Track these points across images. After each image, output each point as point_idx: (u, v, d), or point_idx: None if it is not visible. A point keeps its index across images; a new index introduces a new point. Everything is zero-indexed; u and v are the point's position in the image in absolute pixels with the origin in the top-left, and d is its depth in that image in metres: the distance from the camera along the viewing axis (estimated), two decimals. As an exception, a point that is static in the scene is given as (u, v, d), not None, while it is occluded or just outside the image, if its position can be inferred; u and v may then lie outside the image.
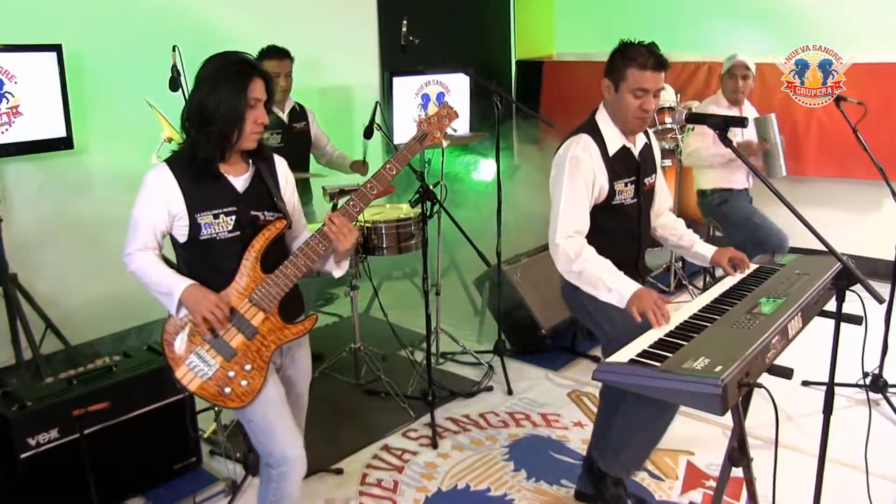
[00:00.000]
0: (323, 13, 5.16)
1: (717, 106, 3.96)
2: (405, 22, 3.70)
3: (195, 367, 2.12)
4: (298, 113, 4.21)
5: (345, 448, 3.28)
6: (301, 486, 2.23)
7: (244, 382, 2.13)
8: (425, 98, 5.33)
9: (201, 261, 2.15)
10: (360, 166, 4.18)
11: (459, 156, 5.49)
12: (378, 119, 3.67)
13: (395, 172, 2.22)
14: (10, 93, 3.58)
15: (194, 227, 2.11)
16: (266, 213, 2.21)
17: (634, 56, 2.36)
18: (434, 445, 3.32)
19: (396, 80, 5.10)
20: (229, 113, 2.06)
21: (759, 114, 4.32)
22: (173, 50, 3.24)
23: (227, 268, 2.14)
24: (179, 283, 2.09)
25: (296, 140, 4.16)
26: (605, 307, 2.41)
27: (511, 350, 4.21)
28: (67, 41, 3.76)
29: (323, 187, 3.53)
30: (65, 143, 3.78)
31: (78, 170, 4.01)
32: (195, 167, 2.11)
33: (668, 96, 5.12)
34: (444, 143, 2.28)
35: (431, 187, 3.47)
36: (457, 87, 5.47)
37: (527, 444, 3.33)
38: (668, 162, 5.05)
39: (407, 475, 3.11)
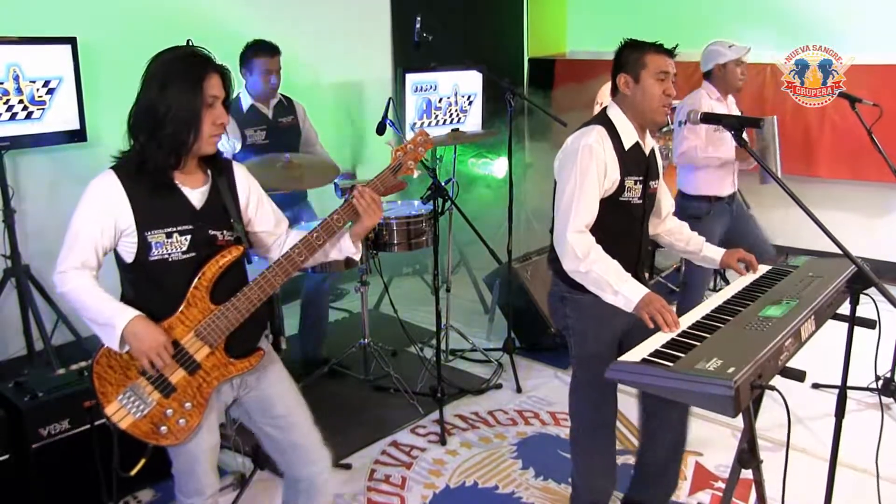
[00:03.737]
0: (336, 8, 5.16)
1: (709, 98, 3.80)
2: (419, 18, 3.70)
3: (128, 404, 1.92)
4: (285, 107, 3.92)
5: (353, 443, 3.29)
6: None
7: (182, 421, 1.95)
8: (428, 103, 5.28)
9: (148, 283, 1.92)
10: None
11: (471, 153, 5.48)
12: (391, 115, 3.67)
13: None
14: (24, 85, 3.60)
15: (143, 247, 1.87)
16: (225, 231, 1.98)
17: (647, 44, 2.37)
18: (442, 442, 3.32)
19: (409, 77, 5.09)
20: (183, 114, 1.84)
21: (738, 108, 4.18)
22: (186, 44, 3.25)
23: (176, 292, 1.91)
24: (122, 315, 1.85)
25: (282, 136, 3.87)
26: (584, 328, 2.40)
27: (520, 348, 4.21)
28: (82, 34, 3.77)
29: (335, 183, 3.54)
30: (78, 136, 3.79)
31: (90, 162, 4.01)
32: (145, 177, 1.88)
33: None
34: (416, 174, 2.17)
35: (443, 184, 3.46)
36: (469, 84, 5.46)
37: (535, 443, 3.33)
38: (666, 162, 4.99)
39: (415, 471, 3.12)
